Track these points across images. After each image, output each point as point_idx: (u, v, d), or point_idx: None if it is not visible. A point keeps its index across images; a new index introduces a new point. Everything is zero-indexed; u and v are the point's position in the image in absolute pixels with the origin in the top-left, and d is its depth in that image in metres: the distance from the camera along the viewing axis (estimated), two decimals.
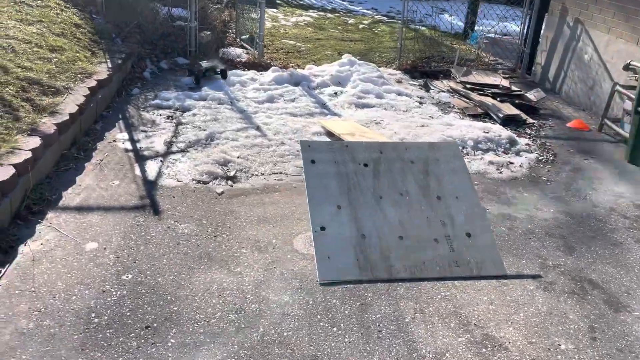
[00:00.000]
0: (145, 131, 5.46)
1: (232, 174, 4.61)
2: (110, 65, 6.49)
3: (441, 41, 10.21)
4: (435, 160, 4.02)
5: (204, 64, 7.41)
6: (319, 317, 3.00)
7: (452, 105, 7.28)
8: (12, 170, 3.67)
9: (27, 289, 3.01)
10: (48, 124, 4.49)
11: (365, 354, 2.77)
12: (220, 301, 3.06)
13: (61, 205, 3.91)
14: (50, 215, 3.77)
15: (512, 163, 5.42)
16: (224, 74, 7.25)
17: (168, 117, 5.94)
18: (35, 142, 4.14)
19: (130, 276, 3.20)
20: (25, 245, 3.40)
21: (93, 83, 5.71)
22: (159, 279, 3.19)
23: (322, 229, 3.53)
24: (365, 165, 3.93)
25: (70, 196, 4.05)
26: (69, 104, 4.99)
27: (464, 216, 3.75)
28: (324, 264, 3.35)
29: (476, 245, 3.61)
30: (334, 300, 3.14)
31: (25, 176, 3.85)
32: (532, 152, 5.76)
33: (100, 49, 6.94)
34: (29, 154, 3.95)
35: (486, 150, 5.62)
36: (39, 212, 3.78)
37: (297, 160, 5.06)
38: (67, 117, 4.72)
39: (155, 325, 2.84)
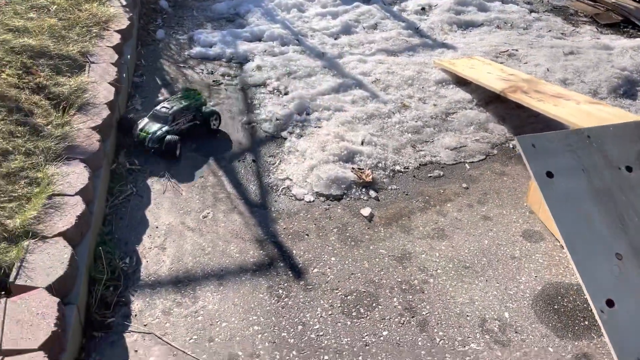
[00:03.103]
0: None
1: (369, 177, 3.09)
2: (123, 2, 4.61)
3: None
4: None
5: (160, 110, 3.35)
6: None
7: (574, 12, 5.57)
8: (68, 251, 2.14)
9: None
10: (85, 131, 2.86)
11: None
12: None
13: (147, 279, 2.44)
14: (137, 305, 2.32)
15: None
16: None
17: (225, 76, 4.25)
18: (79, 173, 2.56)
19: None
20: None
21: (115, 38, 3.94)
22: None
23: (610, 304, 2.13)
24: (629, 169, 2.45)
25: (153, 256, 2.57)
26: (101, 85, 3.30)
27: None
28: None
29: None
30: None
31: (82, 244, 2.33)
32: None
33: None
34: (79, 203, 2.39)
35: None
36: (119, 303, 2.32)
37: (441, 136, 3.53)
38: (107, 111, 3.08)
39: None
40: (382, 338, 2.20)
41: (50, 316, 1.87)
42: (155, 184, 3.05)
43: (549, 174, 2.38)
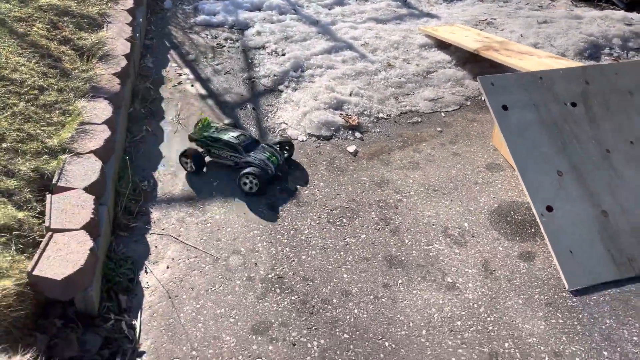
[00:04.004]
0: (210, 65, 4.24)
1: (355, 121, 3.52)
2: None
3: None
4: None
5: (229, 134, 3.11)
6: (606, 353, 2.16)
7: None
8: (99, 164, 2.57)
9: (188, 354, 2.10)
10: (107, 76, 3.28)
11: None
12: (460, 342, 2.18)
13: (163, 197, 2.88)
14: (156, 215, 2.75)
15: None
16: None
17: (227, 40, 4.66)
18: (103, 108, 2.99)
19: (315, 309, 2.28)
20: (146, 272, 2.43)
21: (129, 3, 4.35)
22: (355, 311, 2.28)
23: (549, 209, 2.56)
24: (574, 104, 2.87)
25: (166, 179, 3.00)
26: (118, 40, 3.72)
27: None
28: (568, 263, 2.44)
29: None
30: (609, 321, 2.28)
31: (109, 164, 2.76)
32: None
33: None
34: (106, 130, 2.82)
35: (638, 50, 4.50)
36: (140, 212, 2.75)
37: (421, 90, 3.95)
38: (125, 61, 3.49)
39: None
40: (360, 240, 2.64)
41: (88, 207, 2.29)
42: (167, 126, 3.47)
43: (504, 107, 2.81)
